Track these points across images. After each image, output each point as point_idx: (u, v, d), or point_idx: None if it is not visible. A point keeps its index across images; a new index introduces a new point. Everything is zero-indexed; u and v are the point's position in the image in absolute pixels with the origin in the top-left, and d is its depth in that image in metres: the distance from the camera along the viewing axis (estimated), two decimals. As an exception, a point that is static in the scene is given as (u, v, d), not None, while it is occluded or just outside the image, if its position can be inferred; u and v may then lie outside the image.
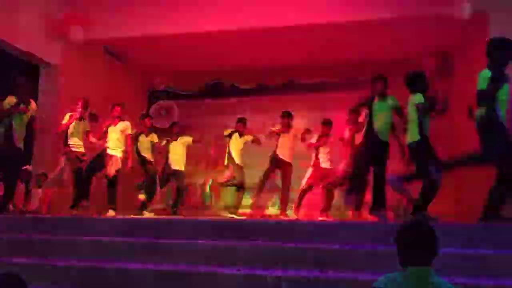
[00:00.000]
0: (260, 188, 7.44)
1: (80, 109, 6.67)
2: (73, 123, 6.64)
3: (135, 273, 3.73)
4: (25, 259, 4.16)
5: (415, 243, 2.05)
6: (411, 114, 4.82)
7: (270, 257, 3.81)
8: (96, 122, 7.13)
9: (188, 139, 7.92)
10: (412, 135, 4.82)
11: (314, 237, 4.20)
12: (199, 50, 8.41)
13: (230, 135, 7.75)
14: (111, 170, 6.74)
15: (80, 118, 6.69)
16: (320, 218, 6.54)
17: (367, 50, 8.26)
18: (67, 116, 6.72)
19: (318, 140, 7.19)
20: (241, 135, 7.74)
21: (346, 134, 6.71)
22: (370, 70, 6.68)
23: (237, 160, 7.64)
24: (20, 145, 5.97)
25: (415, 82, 4.89)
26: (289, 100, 9.11)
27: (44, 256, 4.24)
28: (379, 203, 5.11)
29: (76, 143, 6.65)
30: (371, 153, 5.31)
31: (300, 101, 9.14)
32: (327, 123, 7.27)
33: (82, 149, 6.71)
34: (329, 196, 6.96)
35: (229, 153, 7.71)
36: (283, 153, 7.27)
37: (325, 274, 3.51)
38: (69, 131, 6.63)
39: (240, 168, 7.62)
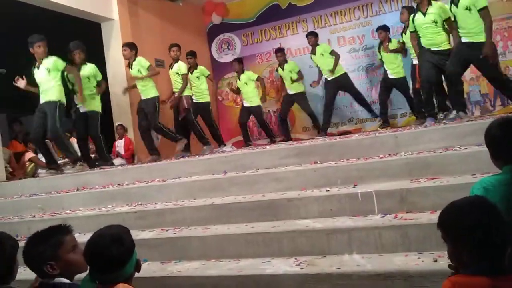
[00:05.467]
0: None
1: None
2: None
3: (225, 207, 3.85)
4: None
5: (507, 140, 1.86)
6: None
7: (358, 173, 3.75)
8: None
9: (251, 76, 7.89)
10: None
11: (401, 147, 4.07)
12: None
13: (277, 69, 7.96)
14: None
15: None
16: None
17: None
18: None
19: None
20: (282, 66, 7.70)
21: None
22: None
23: (288, 88, 7.80)
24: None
25: None
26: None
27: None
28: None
29: None
30: None
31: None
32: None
33: None
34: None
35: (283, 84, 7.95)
36: None
37: (416, 182, 3.41)
38: None
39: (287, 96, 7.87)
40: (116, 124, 7.62)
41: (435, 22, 5.26)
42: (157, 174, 5.02)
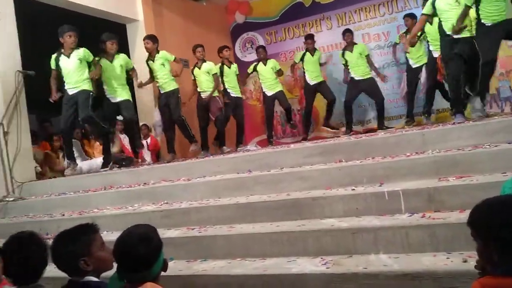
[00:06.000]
0: None
1: None
2: None
3: (250, 206, 3.85)
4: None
5: None
6: None
7: (384, 172, 3.70)
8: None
9: (276, 65, 7.79)
10: None
11: (429, 144, 4.00)
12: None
13: (302, 58, 7.68)
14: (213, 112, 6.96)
15: None
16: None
17: None
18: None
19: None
20: (312, 53, 7.61)
21: None
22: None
23: (309, 79, 7.63)
24: None
25: None
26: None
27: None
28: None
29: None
30: None
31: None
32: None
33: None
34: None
35: (304, 75, 7.81)
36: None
37: (444, 181, 3.35)
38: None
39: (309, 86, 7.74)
40: (140, 124, 7.71)
41: (457, 1, 5.02)
42: (182, 173, 5.07)
